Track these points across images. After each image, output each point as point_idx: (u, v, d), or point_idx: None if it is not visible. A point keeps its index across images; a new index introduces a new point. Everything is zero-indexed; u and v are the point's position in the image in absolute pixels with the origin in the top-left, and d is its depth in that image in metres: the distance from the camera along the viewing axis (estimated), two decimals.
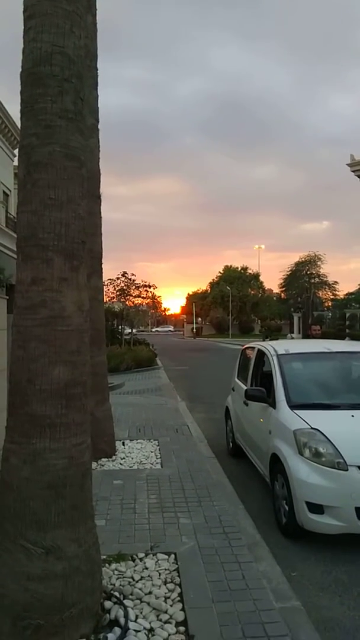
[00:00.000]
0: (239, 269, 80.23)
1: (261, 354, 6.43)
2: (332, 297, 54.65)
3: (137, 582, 3.55)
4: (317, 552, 4.32)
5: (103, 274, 7.10)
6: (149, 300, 26.74)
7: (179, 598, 3.36)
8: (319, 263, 54.18)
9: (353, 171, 36.19)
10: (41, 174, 2.84)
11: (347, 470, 4.24)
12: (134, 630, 2.95)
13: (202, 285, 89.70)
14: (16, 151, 23.24)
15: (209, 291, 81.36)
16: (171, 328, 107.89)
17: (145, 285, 25.54)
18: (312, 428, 4.58)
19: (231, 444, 7.42)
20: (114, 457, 6.79)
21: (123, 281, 25.02)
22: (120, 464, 6.57)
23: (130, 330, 27.51)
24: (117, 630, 2.92)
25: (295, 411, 4.95)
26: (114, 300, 25.74)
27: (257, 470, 5.96)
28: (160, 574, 3.66)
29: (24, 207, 2.89)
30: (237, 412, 7.11)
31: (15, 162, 23.53)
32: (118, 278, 25.04)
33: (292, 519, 4.48)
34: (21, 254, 2.89)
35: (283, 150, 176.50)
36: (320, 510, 4.26)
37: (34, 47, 2.89)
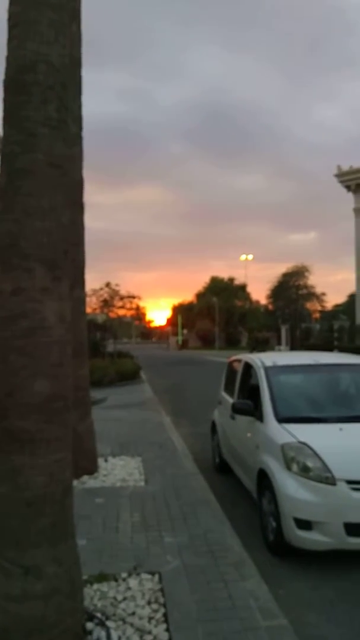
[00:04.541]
0: (226, 280, 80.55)
1: (248, 367, 6.38)
2: (320, 309, 54.90)
3: (120, 602, 3.45)
4: (305, 569, 4.25)
5: (86, 284, 7.03)
6: (133, 311, 26.57)
7: (163, 618, 3.27)
8: (306, 274, 54.41)
9: (340, 182, 36.78)
10: (23, 182, 2.80)
11: (335, 484, 4.19)
12: None
13: (188, 296, 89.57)
14: None
15: (195, 302, 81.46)
16: None
17: (130, 296, 25.39)
18: (299, 442, 4.53)
19: (217, 459, 7.33)
20: (95, 475, 6.64)
21: (107, 292, 24.81)
22: (103, 481, 6.43)
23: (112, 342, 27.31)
24: None
25: (282, 425, 4.90)
26: (97, 311, 25.50)
27: (244, 486, 5.88)
28: (144, 594, 3.56)
29: (5, 215, 2.83)
30: (223, 427, 7.04)
31: None
32: (102, 288, 24.78)
33: (279, 536, 4.40)
34: (1, 263, 2.82)
35: (269, 159, 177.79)
36: (308, 527, 4.20)
37: (18, 54, 2.87)
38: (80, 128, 6.61)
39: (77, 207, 6.48)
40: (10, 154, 2.84)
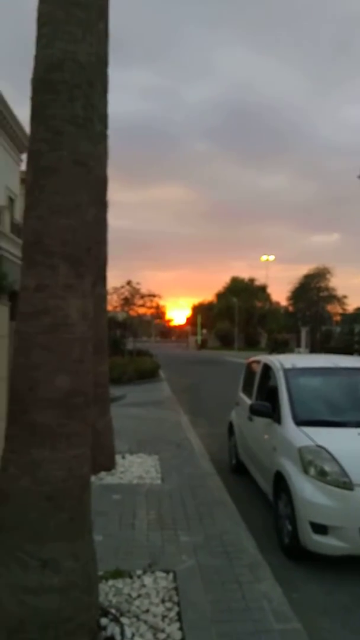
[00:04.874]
0: (246, 280, 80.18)
1: (267, 368, 6.35)
2: (341, 311, 54.15)
3: (134, 599, 3.47)
4: (320, 574, 4.22)
5: (107, 282, 7.08)
6: (153, 310, 26.64)
7: (177, 617, 3.28)
8: (328, 276, 53.73)
9: None
10: (49, 180, 2.82)
11: (352, 490, 4.15)
12: None
13: (208, 296, 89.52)
14: (23, 156, 23.37)
15: (215, 302, 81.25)
16: None
17: (150, 295, 25.46)
18: (317, 445, 4.50)
19: (234, 460, 7.31)
20: (113, 471, 6.69)
21: (128, 290, 24.92)
22: (120, 478, 6.47)
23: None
24: None
25: (300, 428, 4.87)
26: (118, 309, 25.62)
27: (260, 488, 5.85)
28: (158, 592, 3.58)
29: (30, 212, 2.86)
30: (241, 428, 7.01)
31: (22, 167, 23.71)
32: (123, 287, 24.93)
33: (295, 540, 4.37)
34: (26, 260, 2.86)
35: (293, 160, 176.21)
36: (324, 531, 4.16)
37: (46, 53, 2.90)
38: (105, 126, 6.65)
39: (101, 205, 6.52)
40: (36, 152, 2.87)
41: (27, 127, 3.03)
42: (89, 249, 2.94)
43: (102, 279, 6.77)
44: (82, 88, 2.90)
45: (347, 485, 4.17)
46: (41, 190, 2.83)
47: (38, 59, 2.93)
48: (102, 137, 6.54)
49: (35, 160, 2.87)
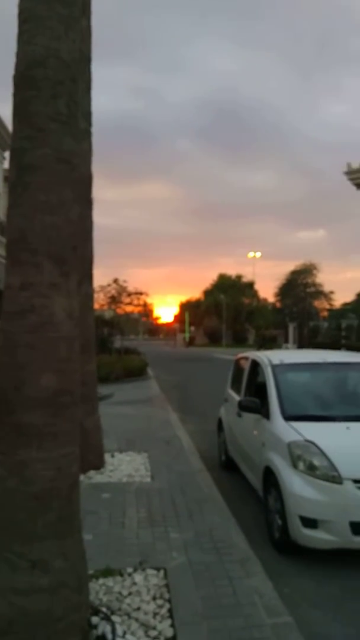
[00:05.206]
0: (233, 277, 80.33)
1: (255, 364, 6.37)
2: (328, 307, 54.58)
3: (125, 597, 3.47)
4: (311, 568, 4.25)
5: (94, 280, 7.04)
6: (140, 308, 26.57)
7: (168, 614, 3.29)
8: (314, 272, 54.17)
9: (350, 179, 36.44)
10: (32, 177, 2.80)
11: (341, 483, 4.18)
12: None
13: (196, 293, 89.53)
14: (6, 154, 23.20)
15: (202, 299, 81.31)
16: None
17: (137, 293, 25.37)
18: (306, 440, 4.52)
19: (224, 457, 7.32)
20: (102, 470, 6.67)
21: (114, 288, 24.81)
22: (109, 476, 6.45)
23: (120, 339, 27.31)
24: None
25: (289, 423, 4.89)
26: (105, 307, 25.51)
27: (250, 484, 5.87)
28: (149, 590, 3.57)
29: (14, 210, 2.84)
30: (230, 424, 7.03)
31: (5, 165, 23.53)
32: (109, 285, 24.80)
33: (285, 534, 4.40)
34: (10, 258, 2.83)
35: (278, 157, 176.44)
36: (314, 525, 4.19)
37: (28, 50, 2.87)
38: (89, 123, 6.62)
39: (85, 202, 6.50)
40: (19, 149, 2.85)
41: (9, 125, 3.00)
42: (74, 247, 2.93)
43: (88, 277, 6.74)
44: (65, 85, 2.88)
45: (336, 479, 4.20)
46: (24, 188, 2.80)
47: (20, 55, 2.90)
48: (87, 135, 6.51)
49: (18, 157, 2.85)
